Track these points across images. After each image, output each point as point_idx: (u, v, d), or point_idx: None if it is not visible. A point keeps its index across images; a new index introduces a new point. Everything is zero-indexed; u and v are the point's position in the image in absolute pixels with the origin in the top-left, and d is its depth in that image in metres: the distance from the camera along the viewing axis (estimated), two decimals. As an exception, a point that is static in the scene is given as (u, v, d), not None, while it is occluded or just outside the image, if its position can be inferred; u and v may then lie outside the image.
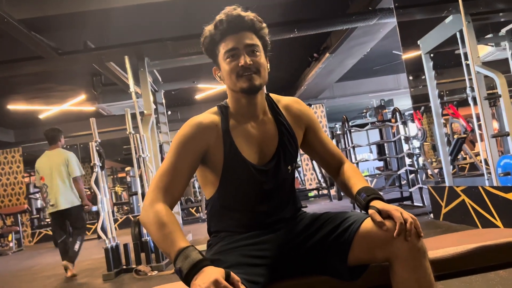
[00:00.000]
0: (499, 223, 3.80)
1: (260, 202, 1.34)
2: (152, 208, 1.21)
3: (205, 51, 1.37)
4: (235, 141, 1.32)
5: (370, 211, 1.24)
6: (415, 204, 6.31)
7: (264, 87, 1.36)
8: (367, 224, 1.22)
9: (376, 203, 1.25)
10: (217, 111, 1.37)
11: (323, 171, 10.22)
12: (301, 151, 1.57)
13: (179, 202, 6.54)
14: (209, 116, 1.35)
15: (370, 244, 1.21)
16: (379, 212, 1.22)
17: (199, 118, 1.33)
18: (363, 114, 14.87)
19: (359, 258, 1.23)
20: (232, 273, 1.03)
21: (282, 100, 1.45)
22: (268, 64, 1.37)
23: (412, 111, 7.39)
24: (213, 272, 1.01)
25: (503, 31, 5.62)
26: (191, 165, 1.30)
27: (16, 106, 9.78)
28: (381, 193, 1.32)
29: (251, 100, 1.33)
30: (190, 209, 10.74)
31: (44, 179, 4.88)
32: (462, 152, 7.61)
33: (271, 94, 1.45)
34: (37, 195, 11.82)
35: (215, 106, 1.39)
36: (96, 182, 4.79)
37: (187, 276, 1.04)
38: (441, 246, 1.38)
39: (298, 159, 12.24)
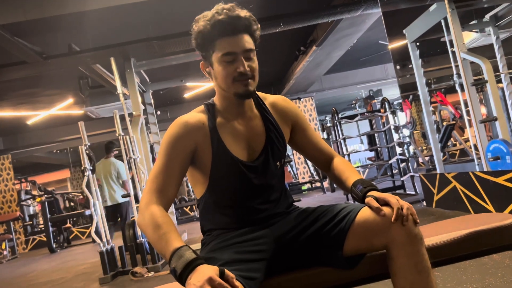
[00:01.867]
0: (490, 207, 3.84)
1: (250, 198, 1.34)
2: (147, 210, 1.21)
3: (196, 45, 1.33)
4: (222, 139, 1.32)
5: (368, 198, 1.26)
6: (407, 192, 6.36)
7: None
8: (364, 212, 1.24)
9: (373, 193, 1.28)
10: (203, 109, 1.37)
11: (315, 164, 10.24)
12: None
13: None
14: (196, 115, 1.35)
15: (367, 232, 1.22)
16: (376, 199, 1.24)
17: (185, 118, 1.33)
18: (352, 106, 14.92)
19: (356, 247, 1.25)
20: (226, 270, 1.03)
21: (269, 98, 1.46)
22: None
23: (400, 100, 7.44)
24: (207, 271, 1.01)
25: (487, 16, 5.66)
26: (182, 164, 1.30)
27: (2, 113, 9.66)
28: (373, 183, 1.34)
29: (241, 101, 1.34)
30: (184, 208, 10.72)
31: (100, 181, 5.98)
32: (451, 139, 7.67)
33: (257, 92, 1.44)
34: (29, 202, 11.70)
35: (201, 105, 1.39)
36: (88, 186, 4.75)
37: (181, 276, 1.04)
38: (434, 233, 1.39)
39: (290, 153, 12.30)
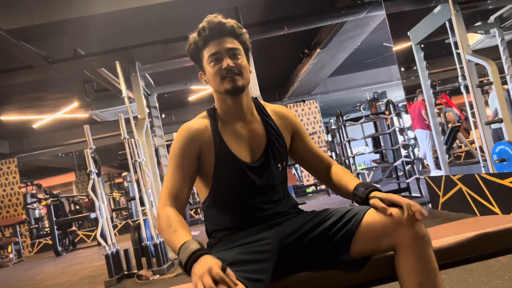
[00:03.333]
0: (496, 209, 3.81)
1: (253, 198, 1.37)
2: (163, 213, 1.29)
3: (191, 57, 1.44)
4: (225, 140, 1.38)
5: (372, 200, 1.26)
6: (413, 194, 6.33)
7: (250, 89, 1.42)
8: (371, 214, 1.25)
9: (376, 194, 1.29)
10: (206, 114, 1.44)
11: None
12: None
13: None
14: (199, 120, 1.42)
15: (374, 233, 1.23)
16: (381, 200, 1.25)
17: (189, 124, 1.41)
18: (357, 108, 14.92)
19: (362, 249, 1.25)
20: (228, 269, 1.04)
21: (270, 106, 1.52)
22: (251, 67, 1.44)
23: (405, 102, 7.43)
24: (209, 261, 1.04)
25: (492, 18, 5.64)
26: (191, 167, 1.36)
27: (9, 117, 9.73)
28: (378, 185, 1.35)
29: (236, 100, 1.39)
30: (189, 211, 10.73)
31: None
32: (457, 141, 7.65)
33: (259, 100, 1.51)
34: (35, 205, 11.76)
35: (204, 111, 1.45)
36: (93, 189, 4.77)
37: (186, 266, 1.07)
38: (440, 235, 1.38)
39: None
